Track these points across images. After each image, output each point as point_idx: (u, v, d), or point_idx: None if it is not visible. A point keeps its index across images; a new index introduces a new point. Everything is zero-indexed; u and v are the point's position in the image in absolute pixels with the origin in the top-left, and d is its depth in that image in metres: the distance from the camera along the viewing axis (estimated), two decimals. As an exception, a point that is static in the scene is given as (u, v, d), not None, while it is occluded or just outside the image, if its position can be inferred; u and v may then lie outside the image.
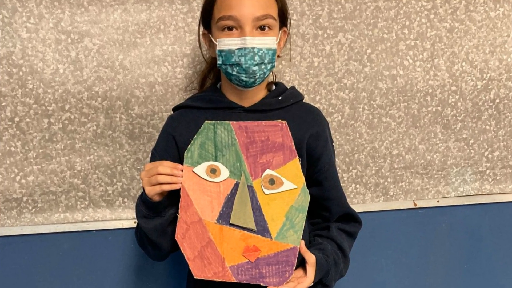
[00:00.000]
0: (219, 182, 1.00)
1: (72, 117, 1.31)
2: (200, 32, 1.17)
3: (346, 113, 1.44)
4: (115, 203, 1.41)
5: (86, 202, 1.39)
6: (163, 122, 1.19)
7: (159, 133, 1.17)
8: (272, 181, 1.01)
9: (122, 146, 1.36)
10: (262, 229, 0.99)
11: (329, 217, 1.16)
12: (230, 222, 0.98)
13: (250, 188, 1.00)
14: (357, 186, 1.52)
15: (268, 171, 1.01)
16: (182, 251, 0.99)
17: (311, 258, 1.03)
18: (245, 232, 0.99)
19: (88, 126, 1.33)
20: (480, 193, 1.61)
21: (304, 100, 1.19)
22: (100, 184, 1.38)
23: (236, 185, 1.00)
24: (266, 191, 1.00)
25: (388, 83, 1.44)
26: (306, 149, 1.10)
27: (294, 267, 0.98)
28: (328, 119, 1.32)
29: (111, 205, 1.41)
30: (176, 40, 1.31)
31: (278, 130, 1.02)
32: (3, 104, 1.27)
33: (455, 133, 1.53)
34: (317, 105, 1.39)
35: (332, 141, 1.19)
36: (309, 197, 1.01)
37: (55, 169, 1.34)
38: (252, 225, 0.98)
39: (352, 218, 1.17)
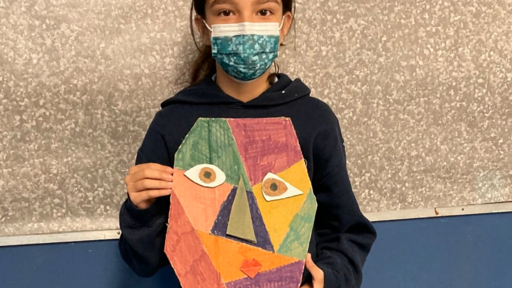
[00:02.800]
0: (214, 187, 1.00)
1: (47, 113, 1.31)
2: (193, 17, 1.17)
3: (358, 109, 1.44)
4: (96, 211, 1.41)
5: (63, 210, 1.39)
6: (151, 119, 1.19)
7: (146, 132, 1.17)
8: (274, 186, 1.01)
9: (104, 147, 1.36)
10: (263, 240, 0.99)
11: (339, 227, 1.16)
12: (227, 232, 0.98)
13: (250, 194, 1.00)
14: (371, 192, 1.52)
15: (269, 175, 1.01)
16: (172, 265, 0.99)
17: (318, 274, 1.03)
18: (244, 244, 0.99)
19: (65, 124, 1.33)
20: (510, 199, 1.61)
21: (310, 94, 1.19)
22: (79, 189, 1.38)
23: (234, 191, 1.00)
24: (268, 198, 1.00)
25: (406, 75, 1.44)
26: (313, 150, 1.11)
27: (299, 284, 0.98)
28: (338, 115, 1.32)
29: (91, 214, 1.41)
30: (166, 26, 1.31)
31: (281, 129, 1.02)
32: (-32, 98, 1.28)
33: (482, 131, 1.53)
34: (325, 100, 1.39)
35: (343, 141, 1.19)
36: (316, 205, 1.01)
37: (28, 172, 1.34)
38: (251, 236, 0.98)
39: (365, 228, 1.18)
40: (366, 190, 1.51)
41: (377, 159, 1.49)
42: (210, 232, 0.99)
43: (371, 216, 1.40)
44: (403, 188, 1.53)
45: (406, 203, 1.55)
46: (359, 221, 1.17)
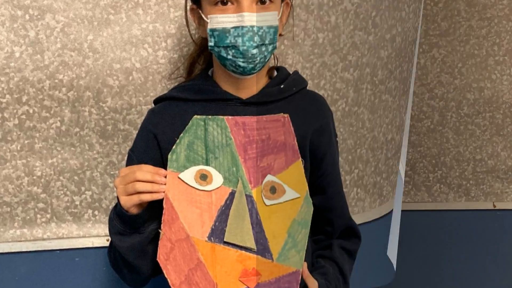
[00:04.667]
0: (211, 190, 1.00)
1: (31, 111, 1.31)
2: (188, 7, 1.17)
3: (350, 98, 1.45)
4: (84, 216, 1.40)
5: (48, 216, 1.39)
6: (142, 117, 1.20)
7: (137, 131, 1.17)
8: (273, 189, 1.01)
9: (92, 147, 1.36)
10: (262, 248, 0.99)
11: (332, 233, 1.20)
12: (225, 239, 0.98)
13: (249, 198, 1.00)
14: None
15: (269, 177, 1.01)
16: (166, 275, 0.99)
17: (313, 285, 1.05)
18: (243, 252, 0.99)
19: (50, 122, 1.33)
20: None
21: (308, 87, 1.21)
22: (65, 193, 1.38)
23: (232, 195, 1.00)
24: (267, 202, 1.01)
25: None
26: (310, 148, 1.12)
27: (296, 295, 0.99)
28: (332, 108, 1.32)
29: (78, 219, 1.40)
30: (158, 16, 1.31)
31: (280, 126, 1.03)
32: None
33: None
34: (321, 92, 1.39)
35: (336, 136, 1.21)
36: (312, 208, 1.02)
37: (10, 174, 1.34)
38: (251, 243, 0.98)
39: (352, 232, 1.22)
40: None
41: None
42: (206, 239, 0.99)
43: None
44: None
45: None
46: (349, 225, 1.21)
